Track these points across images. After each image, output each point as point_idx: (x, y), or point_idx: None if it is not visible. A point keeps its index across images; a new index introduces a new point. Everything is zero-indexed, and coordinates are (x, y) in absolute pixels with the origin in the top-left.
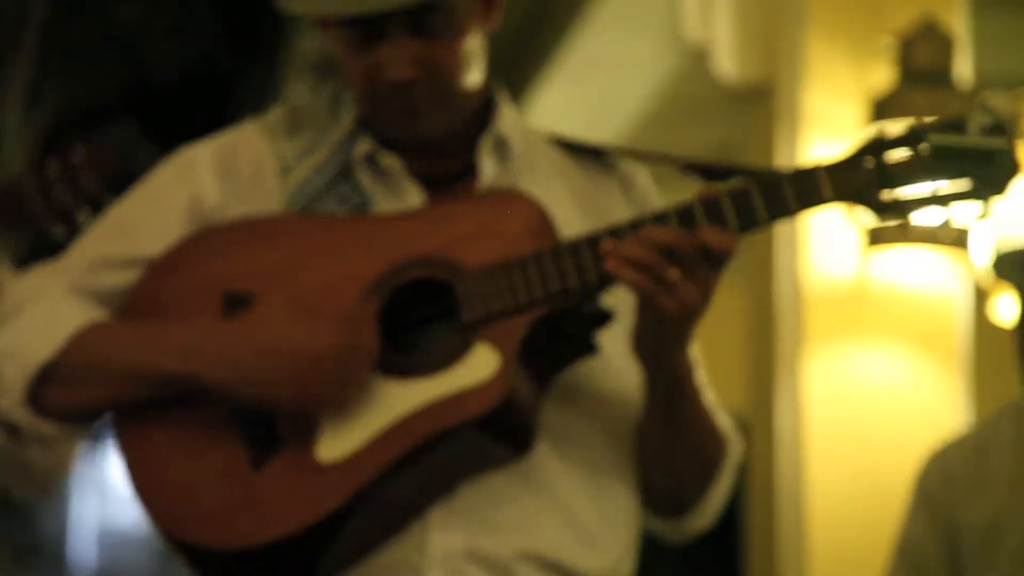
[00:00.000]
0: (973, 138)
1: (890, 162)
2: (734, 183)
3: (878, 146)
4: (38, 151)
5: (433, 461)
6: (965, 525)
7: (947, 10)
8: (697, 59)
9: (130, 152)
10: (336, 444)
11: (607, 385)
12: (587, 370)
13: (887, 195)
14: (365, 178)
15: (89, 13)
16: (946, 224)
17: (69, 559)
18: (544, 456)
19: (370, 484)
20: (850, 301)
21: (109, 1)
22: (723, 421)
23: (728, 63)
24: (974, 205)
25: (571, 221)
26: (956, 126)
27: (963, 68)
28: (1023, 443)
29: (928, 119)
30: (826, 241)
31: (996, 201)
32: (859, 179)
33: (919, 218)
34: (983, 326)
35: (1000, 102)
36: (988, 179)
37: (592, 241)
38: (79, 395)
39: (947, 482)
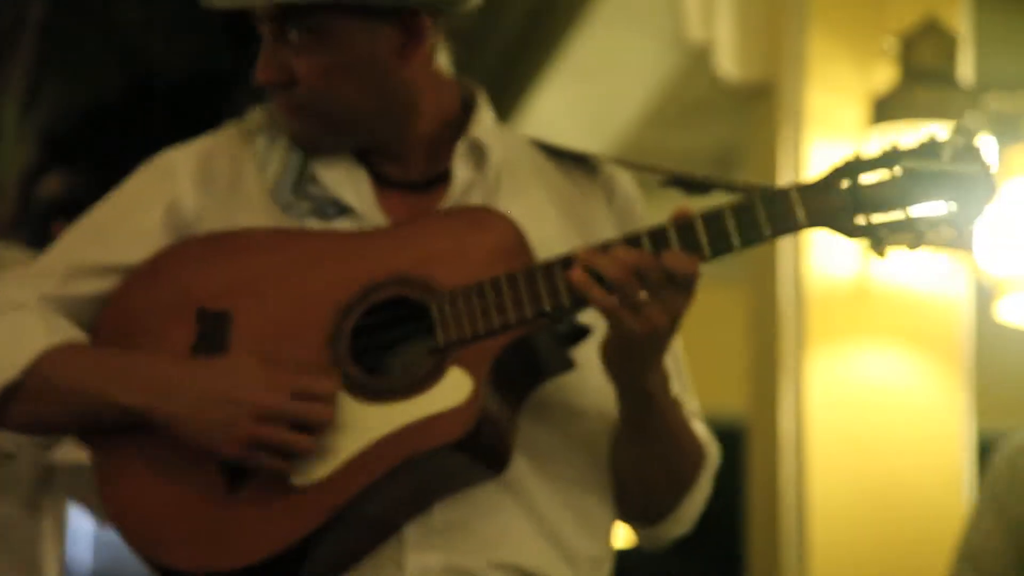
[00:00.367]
0: (947, 163)
1: (864, 185)
2: (717, 201)
3: (852, 168)
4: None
5: (408, 482)
6: None
7: (949, 9)
8: (699, 59)
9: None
10: (310, 468)
11: (583, 399)
12: (563, 384)
13: (861, 219)
14: (324, 177)
15: (88, 13)
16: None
17: (66, 562)
18: (521, 469)
19: (344, 507)
20: (852, 302)
21: (108, 1)
22: (701, 430)
23: (730, 62)
24: (950, 230)
25: (552, 228)
26: (931, 150)
27: (965, 68)
28: None
29: (902, 144)
30: (828, 242)
31: (972, 225)
32: (833, 202)
33: (894, 243)
34: (986, 327)
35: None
36: (964, 204)
37: (565, 263)
38: (40, 414)
39: (1013, 483)
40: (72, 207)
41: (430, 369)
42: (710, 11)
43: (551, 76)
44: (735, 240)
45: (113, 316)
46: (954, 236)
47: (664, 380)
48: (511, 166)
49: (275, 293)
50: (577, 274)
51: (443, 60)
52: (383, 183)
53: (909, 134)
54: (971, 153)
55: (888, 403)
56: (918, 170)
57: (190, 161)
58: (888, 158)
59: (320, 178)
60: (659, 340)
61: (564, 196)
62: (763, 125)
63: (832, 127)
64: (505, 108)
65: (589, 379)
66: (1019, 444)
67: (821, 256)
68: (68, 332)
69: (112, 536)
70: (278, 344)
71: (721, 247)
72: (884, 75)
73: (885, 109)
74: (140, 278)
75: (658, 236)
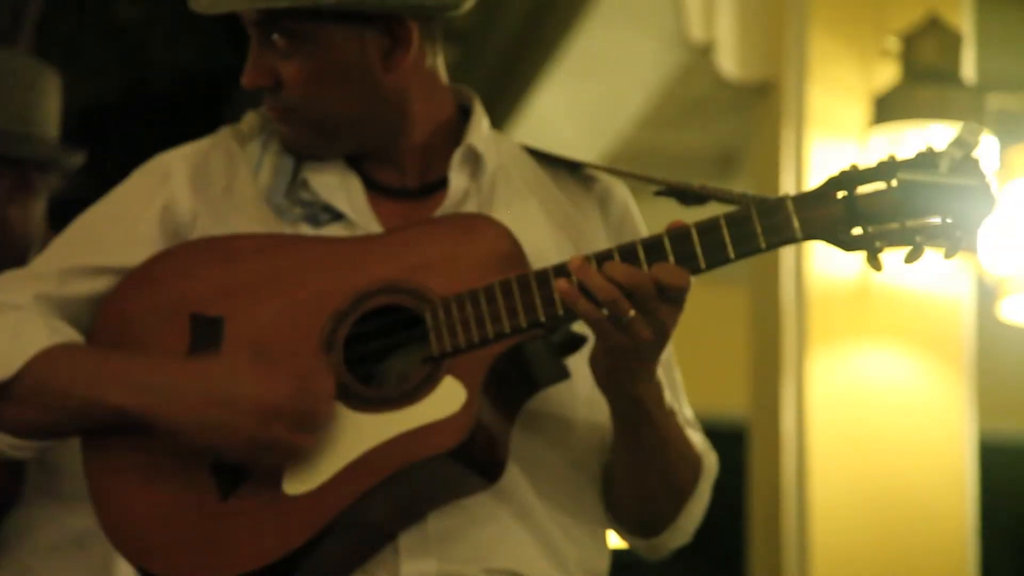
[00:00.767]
0: (945, 175)
1: (861, 195)
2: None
3: (849, 179)
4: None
5: (402, 492)
6: None
7: (951, 8)
8: (700, 57)
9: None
10: (303, 477)
11: (574, 409)
12: (554, 393)
13: (858, 231)
14: (316, 183)
15: (87, 12)
16: None
17: None
18: (514, 478)
19: (338, 516)
20: (854, 302)
21: (108, 1)
22: (697, 439)
23: (731, 62)
24: (948, 242)
25: (545, 238)
26: (928, 161)
27: (967, 67)
28: None
29: (899, 154)
30: None
31: (970, 237)
32: (829, 213)
33: (890, 256)
34: (988, 327)
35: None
36: (961, 217)
37: (560, 272)
38: (32, 416)
39: None
40: (70, 206)
41: (424, 378)
42: (711, 10)
43: (551, 76)
44: (730, 251)
45: (108, 321)
46: (952, 248)
47: (657, 390)
48: (505, 174)
49: (268, 299)
50: (563, 286)
51: (440, 65)
52: (376, 190)
53: (911, 133)
54: (969, 165)
55: (890, 403)
56: (915, 181)
57: (185, 164)
58: (885, 169)
59: (312, 184)
60: (646, 352)
61: (558, 205)
62: (764, 124)
63: (834, 126)
64: (505, 108)
65: (579, 389)
66: None
67: (823, 256)
68: (67, 334)
69: None
70: (270, 350)
71: (716, 258)
72: (886, 74)
73: (887, 108)
74: (135, 283)
75: (653, 247)
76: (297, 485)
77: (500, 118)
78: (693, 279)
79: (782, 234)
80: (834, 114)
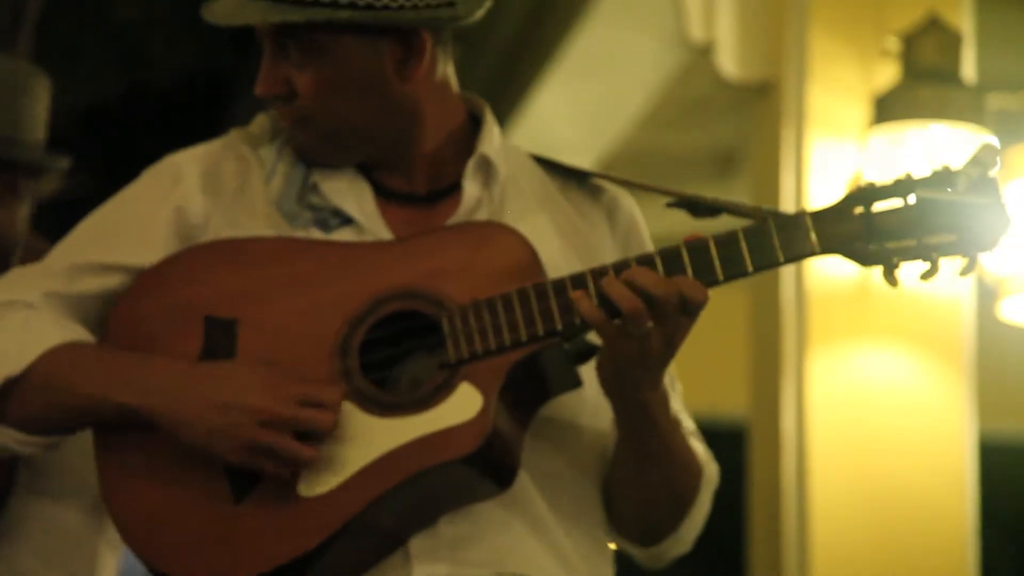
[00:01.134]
0: (961, 194)
1: (877, 212)
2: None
3: (866, 195)
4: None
5: (415, 496)
6: None
7: (951, 8)
8: (700, 57)
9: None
10: (319, 479)
11: (581, 417)
12: (565, 401)
13: (874, 247)
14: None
15: (87, 13)
16: None
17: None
18: (525, 483)
19: (352, 519)
20: (854, 302)
21: (108, 1)
22: (699, 448)
23: (731, 62)
24: (963, 259)
25: (553, 249)
26: (945, 179)
27: (967, 66)
28: None
29: (916, 172)
30: None
31: (985, 255)
32: (846, 229)
33: (905, 271)
34: (988, 327)
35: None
36: (977, 235)
37: (578, 282)
38: (38, 413)
39: None
40: (70, 207)
41: (440, 384)
42: (711, 10)
43: (551, 76)
44: (748, 264)
45: (121, 323)
46: (968, 266)
47: (664, 398)
48: (515, 184)
49: (283, 303)
50: (581, 294)
51: (452, 73)
52: (385, 195)
53: (911, 133)
54: (985, 184)
55: (890, 403)
56: (932, 199)
57: (197, 166)
58: (901, 186)
59: (322, 188)
60: (654, 362)
61: (565, 216)
62: (764, 124)
63: (834, 126)
64: (505, 108)
65: (587, 397)
66: None
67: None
68: (76, 332)
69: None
70: (285, 354)
71: (734, 271)
72: (886, 74)
73: (887, 108)
74: (148, 285)
75: (671, 258)
76: (312, 487)
77: (500, 118)
78: None
79: (800, 248)
80: (834, 114)
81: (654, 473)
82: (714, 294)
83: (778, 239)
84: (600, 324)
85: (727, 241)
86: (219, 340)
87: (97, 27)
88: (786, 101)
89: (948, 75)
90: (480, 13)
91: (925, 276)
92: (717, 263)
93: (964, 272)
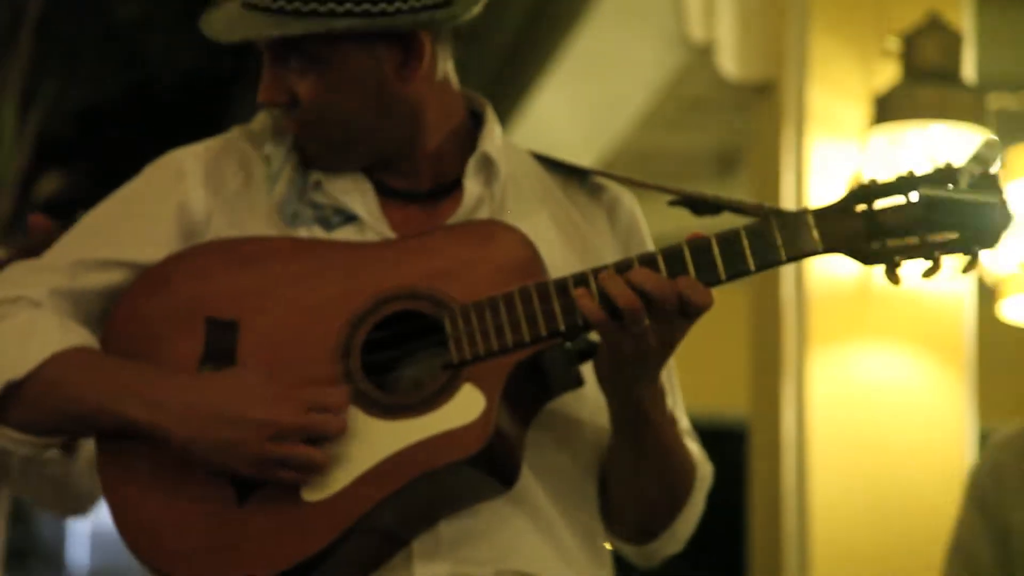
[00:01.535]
0: (963, 191)
1: (880, 210)
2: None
3: (868, 193)
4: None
5: (420, 498)
6: (1015, 526)
7: (952, 8)
8: (701, 57)
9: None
10: (322, 483)
11: (581, 414)
12: (566, 399)
13: (876, 244)
14: (330, 185)
15: (87, 13)
16: None
17: (65, 562)
18: (526, 480)
19: (356, 522)
20: (854, 301)
21: (108, 1)
22: (693, 448)
23: (731, 62)
24: (965, 257)
25: (554, 247)
26: (947, 177)
27: (968, 66)
28: None
29: (918, 170)
30: None
31: (988, 252)
32: (848, 227)
33: (906, 269)
34: (989, 327)
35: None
36: (979, 232)
37: (580, 281)
38: (39, 418)
39: (997, 482)
40: (70, 207)
41: (443, 385)
42: (711, 10)
43: (551, 76)
44: (751, 263)
45: (122, 322)
46: (970, 263)
47: (660, 396)
48: (515, 182)
49: (284, 303)
50: (583, 296)
51: (452, 71)
52: (387, 193)
53: (911, 133)
54: (988, 181)
55: (890, 403)
56: (934, 197)
57: (199, 163)
58: (904, 184)
59: (325, 186)
60: (652, 360)
61: (566, 214)
62: (765, 124)
63: (834, 126)
64: (505, 108)
65: (587, 394)
66: (1001, 441)
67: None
68: (81, 335)
69: (110, 535)
70: (286, 355)
71: (736, 270)
72: (886, 74)
73: (887, 108)
74: (149, 284)
75: (673, 257)
76: (316, 491)
77: (500, 118)
78: None
79: (802, 246)
80: (834, 114)
81: (649, 468)
82: (715, 294)
83: (780, 237)
84: (602, 323)
85: (729, 240)
86: (220, 341)
87: (97, 27)
88: (786, 101)
89: (948, 75)
90: (477, 9)
91: (927, 274)
92: (720, 262)
93: (966, 270)
